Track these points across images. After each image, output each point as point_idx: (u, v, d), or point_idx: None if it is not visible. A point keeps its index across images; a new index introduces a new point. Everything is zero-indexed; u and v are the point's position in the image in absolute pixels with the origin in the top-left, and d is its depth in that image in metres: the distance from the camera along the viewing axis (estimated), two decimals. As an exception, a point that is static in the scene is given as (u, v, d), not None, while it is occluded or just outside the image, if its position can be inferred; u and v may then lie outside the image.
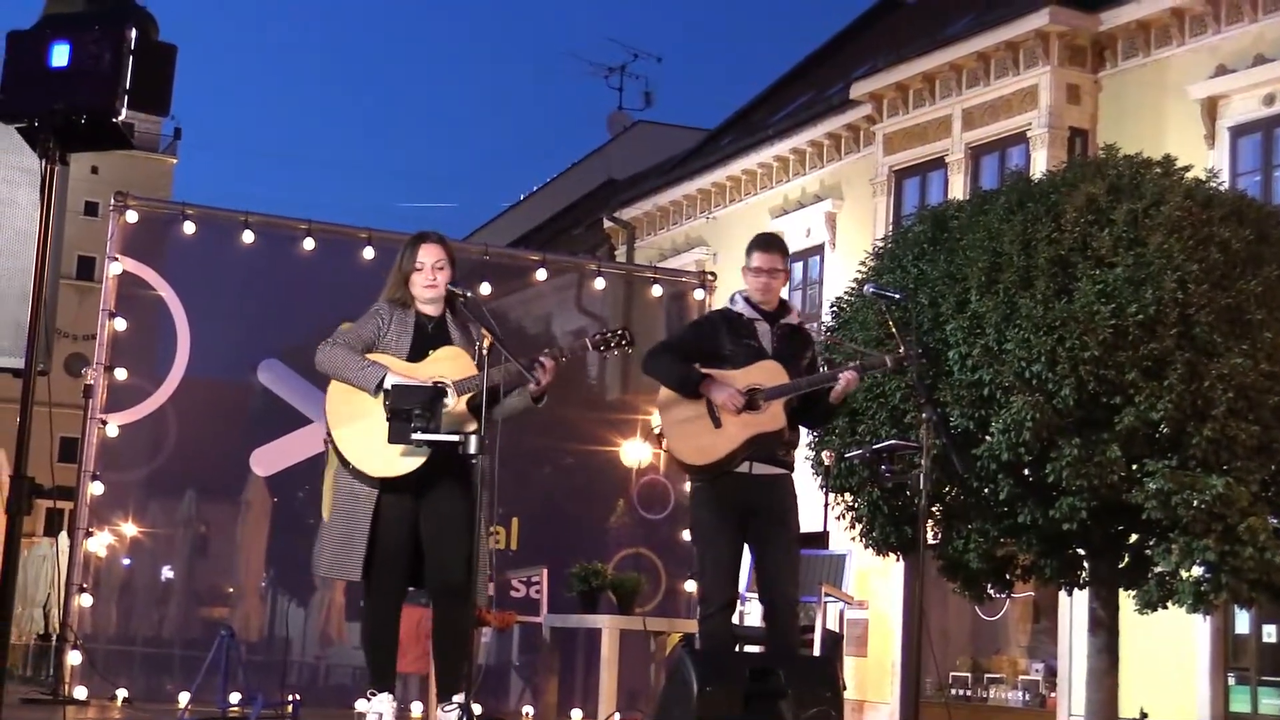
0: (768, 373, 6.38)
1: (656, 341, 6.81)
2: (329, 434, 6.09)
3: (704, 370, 6.39)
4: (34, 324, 5.40)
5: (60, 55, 5.34)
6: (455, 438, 5.80)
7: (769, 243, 6.76)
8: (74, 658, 10.17)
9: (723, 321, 6.58)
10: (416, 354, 6.10)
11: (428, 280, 6.14)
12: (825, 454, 11.35)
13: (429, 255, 6.18)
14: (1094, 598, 11.25)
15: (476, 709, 6.10)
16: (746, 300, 6.60)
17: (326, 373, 6.14)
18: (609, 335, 6.29)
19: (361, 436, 5.97)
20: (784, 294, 6.76)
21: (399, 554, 6.02)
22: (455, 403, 5.96)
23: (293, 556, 11.36)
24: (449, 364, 6.04)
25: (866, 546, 11.64)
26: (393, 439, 5.86)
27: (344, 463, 6.04)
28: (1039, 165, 16.32)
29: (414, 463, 5.92)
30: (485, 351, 5.92)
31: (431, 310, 6.20)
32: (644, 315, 12.29)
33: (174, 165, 57.87)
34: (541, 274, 11.83)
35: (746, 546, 6.50)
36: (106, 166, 46.98)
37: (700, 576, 6.57)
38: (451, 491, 5.95)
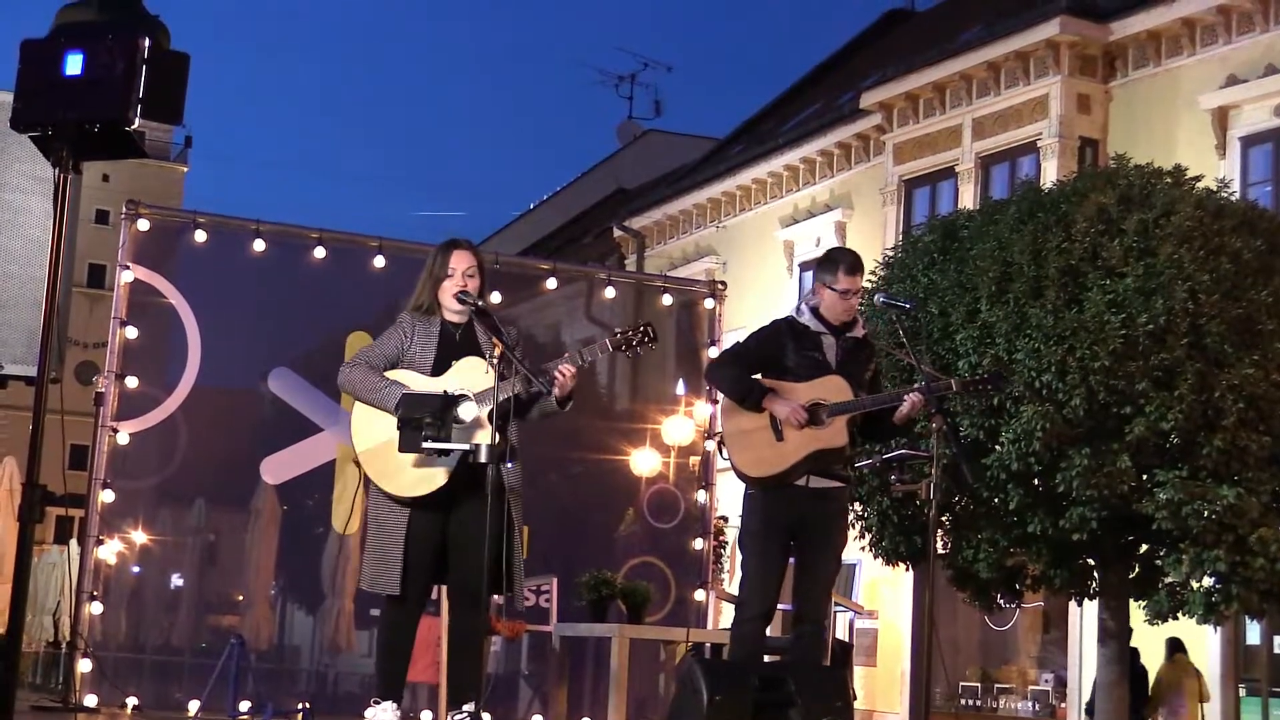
0: (833, 388, 6.32)
1: (722, 350, 6.75)
2: (355, 455, 6.13)
3: (768, 383, 6.36)
4: (46, 332, 5.40)
5: (74, 64, 5.35)
6: (465, 446, 5.80)
7: (855, 266, 6.54)
8: (84, 665, 10.17)
9: (788, 332, 6.50)
10: (442, 363, 6.08)
11: (458, 287, 6.13)
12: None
13: (461, 262, 6.17)
14: (1104, 608, 11.24)
15: (486, 717, 6.08)
16: (814, 311, 6.51)
17: (348, 394, 6.17)
18: (630, 334, 6.21)
19: (385, 458, 5.97)
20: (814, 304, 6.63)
21: (425, 568, 6.04)
22: (478, 414, 5.94)
23: (302, 565, 11.39)
24: (471, 375, 6.03)
25: (876, 556, 11.63)
26: (403, 448, 5.86)
27: (373, 481, 6.08)
28: (1049, 175, 16.32)
29: (436, 482, 5.92)
30: (496, 360, 5.92)
31: (459, 318, 6.19)
32: (654, 324, 12.25)
33: (185, 173, 57.96)
34: (552, 283, 11.83)
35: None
36: (117, 175, 47.12)
37: (741, 583, 6.55)
38: (479, 503, 5.93)
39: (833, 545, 6.45)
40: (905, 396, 6.31)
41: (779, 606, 6.63)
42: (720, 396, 6.56)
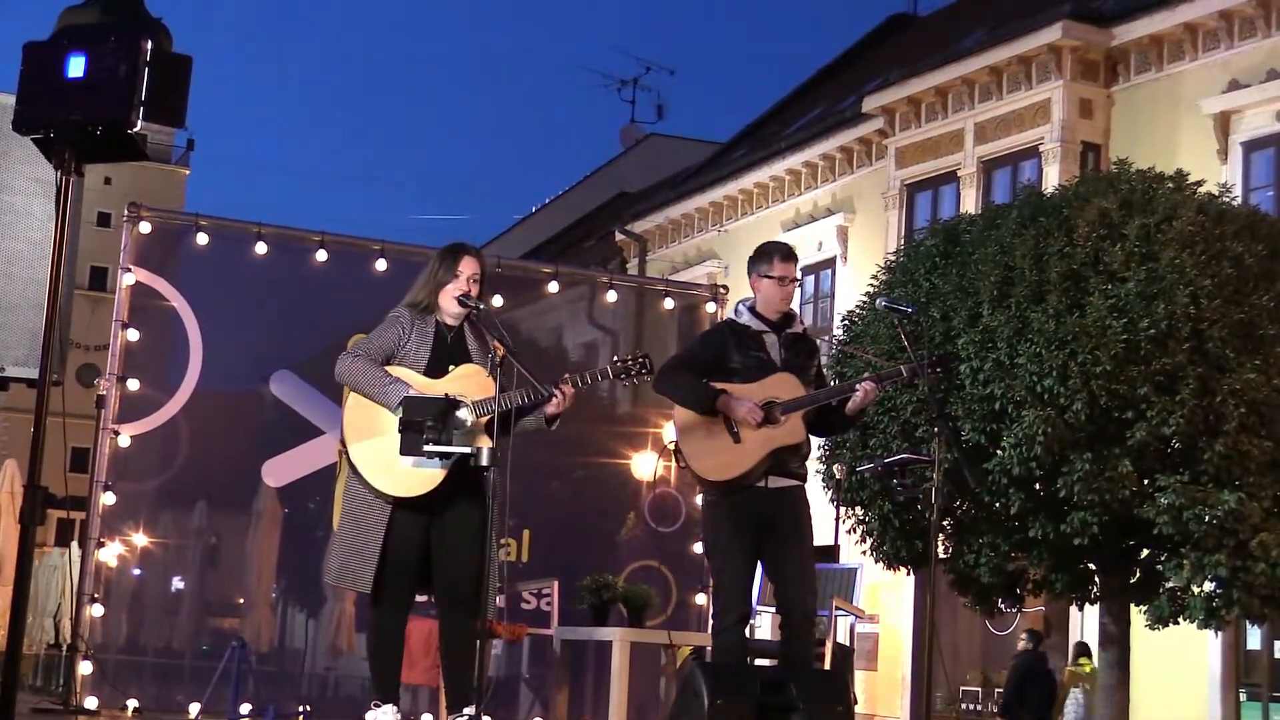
0: (784, 385, 6.29)
1: (667, 359, 6.70)
2: (344, 446, 6.09)
3: (719, 385, 6.34)
4: (49, 334, 5.40)
5: (76, 67, 5.35)
6: (467, 450, 5.80)
7: (790, 251, 6.56)
8: (85, 668, 10.17)
9: (730, 334, 6.47)
10: (435, 365, 6.09)
11: (461, 290, 6.14)
12: (837, 467, 11.34)
13: (467, 267, 6.19)
14: (1105, 613, 11.23)
15: (486, 721, 6.07)
16: (752, 311, 6.49)
17: (347, 385, 6.13)
18: (629, 363, 6.24)
19: (379, 454, 5.96)
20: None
21: (409, 569, 6.03)
22: (473, 422, 5.94)
23: (304, 567, 11.38)
24: (468, 381, 6.03)
25: (877, 560, 11.64)
26: (404, 450, 5.86)
27: (358, 476, 6.04)
28: (1051, 179, 16.32)
29: (430, 483, 5.91)
30: (498, 362, 5.92)
31: (453, 321, 6.21)
32: (656, 328, 12.29)
33: (187, 176, 58.03)
34: (553, 286, 11.83)
35: (760, 560, 6.46)
36: (119, 177, 47.15)
37: (715, 591, 6.52)
38: (463, 506, 5.94)
39: (804, 541, 6.40)
40: (857, 386, 6.29)
41: (767, 609, 6.59)
42: (675, 408, 6.49)
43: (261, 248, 10.92)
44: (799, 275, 6.58)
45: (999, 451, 10.08)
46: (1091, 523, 9.90)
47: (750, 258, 6.62)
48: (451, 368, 6.08)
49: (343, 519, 6.13)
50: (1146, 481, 9.92)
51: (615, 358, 6.31)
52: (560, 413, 6.08)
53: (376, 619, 6.15)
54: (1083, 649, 15.82)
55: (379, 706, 6.06)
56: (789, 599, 6.34)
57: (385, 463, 5.95)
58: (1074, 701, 15.62)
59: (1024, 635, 16.33)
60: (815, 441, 6.89)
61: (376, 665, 6.17)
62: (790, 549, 6.35)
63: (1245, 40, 16.63)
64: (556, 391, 5.99)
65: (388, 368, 6.05)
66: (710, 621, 11.60)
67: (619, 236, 27.51)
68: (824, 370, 6.74)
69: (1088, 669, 15.78)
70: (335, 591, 11.06)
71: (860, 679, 18.48)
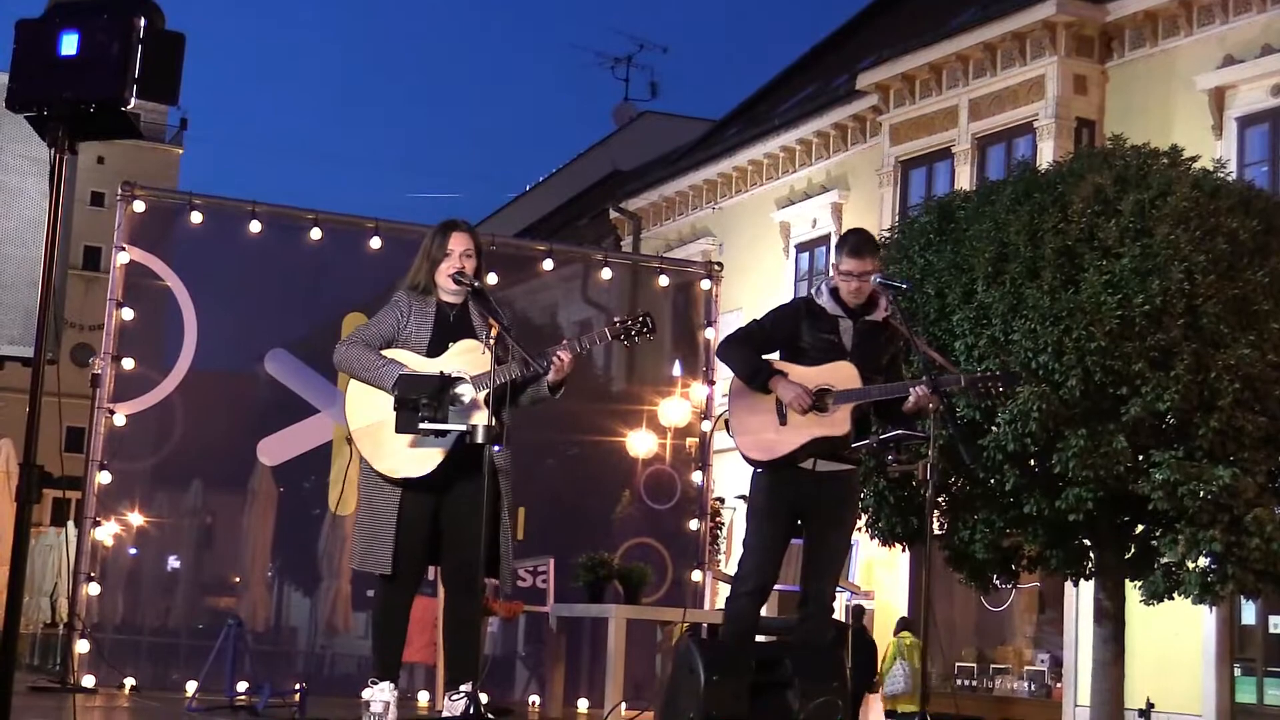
0: (841, 375, 6.23)
1: (737, 328, 6.64)
2: (349, 432, 6.12)
3: (777, 366, 6.31)
4: (43, 312, 5.38)
5: (69, 44, 5.32)
6: (462, 426, 5.79)
7: (858, 248, 6.34)
8: (82, 646, 10.19)
9: (805, 313, 6.41)
10: (437, 344, 6.07)
11: (455, 268, 6.12)
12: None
13: (459, 243, 6.16)
14: (1100, 588, 11.26)
15: (483, 698, 6.09)
16: (833, 294, 6.39)
17: (345, 372, 6.15)
18: (630, 324, 6.18)
19: (380, 437, 5.96)
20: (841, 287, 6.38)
21: (418, 550, 6.04)
22: (474, 398, 5.93)
23: (299, 546, 11.40)
24: (467, 358, 6.02)
25: (873, 537, 11.65)
26: (400, 429, 5.85)
27: (366, 460, 6.06)
28: (1046, 156, 16.32)
29: (431, 464, 5.91)
30: (493, 341, 5.91)
31: (454, 299, 6.19)
32: (650, 305, 12.27)
33: (180, 155, 57.84)
34: (548, 264, 11.82)
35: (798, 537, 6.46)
36: (113, 156, 47.03)
37: (742, 557, 6.52)
38: (469, 485, 5.93)
39: (843, 529, 6.42)
40: (911, 390, 6.19)
41: (783, 588, 6.59)
42: (731, 378, 6.49)
43: (256, 226, 10.91)
44: (876, 266, 6.32)
45: (994, 428, 10.09)
46: (1086, 499, 9.91)
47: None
48: (451, 345, 6.07)
49: (360, 504, 6.16)
50: (1141, 457, 9.93)
51: (615, 319, 6.27)
52: (562, 379, 6.05)
53: (384, 598, 6.16)
54: (905, 622, 17.15)
55: (376, 684, 6.07)
56: (813, 586, 6.37)
57: (387, 445, 5.95)
58: (900, 671, 16.59)
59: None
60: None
61: (379, 643, 6.18)
62: (826, 536, 6.36)
63: (1240, 15, 16.61)
64: (554, 358, 5.97)
65: (387, 351, 6.04)
66: (706, 597, 11.72)
67: (613, 214, 27.48)
68: (900, 360, 6.58)
69: (909, 641, 16.85)
70: (331, 569, 11.08)
71: (855, 655, 18.55)
